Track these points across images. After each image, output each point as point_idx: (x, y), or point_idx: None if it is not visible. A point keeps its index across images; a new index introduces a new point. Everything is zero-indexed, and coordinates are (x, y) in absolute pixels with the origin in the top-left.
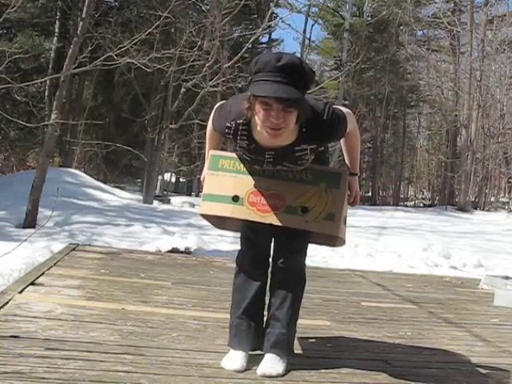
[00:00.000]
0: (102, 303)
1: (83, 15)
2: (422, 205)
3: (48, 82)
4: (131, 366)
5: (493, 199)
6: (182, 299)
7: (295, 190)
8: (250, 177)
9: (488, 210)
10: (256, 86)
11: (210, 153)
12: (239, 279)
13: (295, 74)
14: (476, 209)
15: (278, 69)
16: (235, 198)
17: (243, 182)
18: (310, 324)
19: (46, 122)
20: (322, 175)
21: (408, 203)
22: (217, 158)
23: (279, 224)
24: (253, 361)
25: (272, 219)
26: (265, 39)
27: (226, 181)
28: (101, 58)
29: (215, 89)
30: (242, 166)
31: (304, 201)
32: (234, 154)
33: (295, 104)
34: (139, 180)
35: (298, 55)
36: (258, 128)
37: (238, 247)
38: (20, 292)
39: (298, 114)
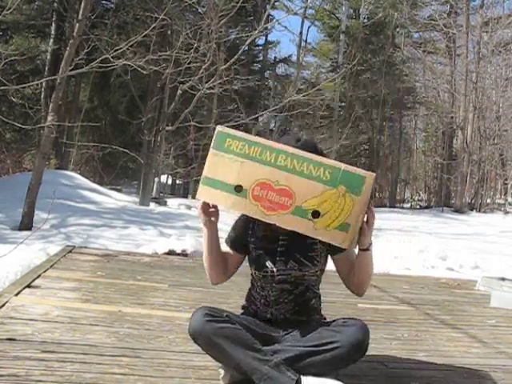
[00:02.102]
0: (98, 305)
1: (79, 17)
2: (418, 206)
3: (44, 83)
4: (128, 368)
5: (489, 201)
6: (178, 301)
7: (309, 189)
8: (258, 165)
9: (484, 212)
10: None
11: (217, 128)
12: None
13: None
14: (472, 210)
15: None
16: (238, 189)
17: (250, 170)
18: None
19: (42, 124)
20: (343, 176)
21: (404, 205)
22: (224, 135)
23: (283, 226)
24: None
25: (276, 219)
26: (261, 41)
27: (231, 165)
28: (97, 60)
29: (212, 91)
30: (252, 149)
31: (317, 203)
32: (245, 135)
33: None
34: (136, 182)
35: (295, 57)
36: None
37: None
38: (16, 294)
39: None
